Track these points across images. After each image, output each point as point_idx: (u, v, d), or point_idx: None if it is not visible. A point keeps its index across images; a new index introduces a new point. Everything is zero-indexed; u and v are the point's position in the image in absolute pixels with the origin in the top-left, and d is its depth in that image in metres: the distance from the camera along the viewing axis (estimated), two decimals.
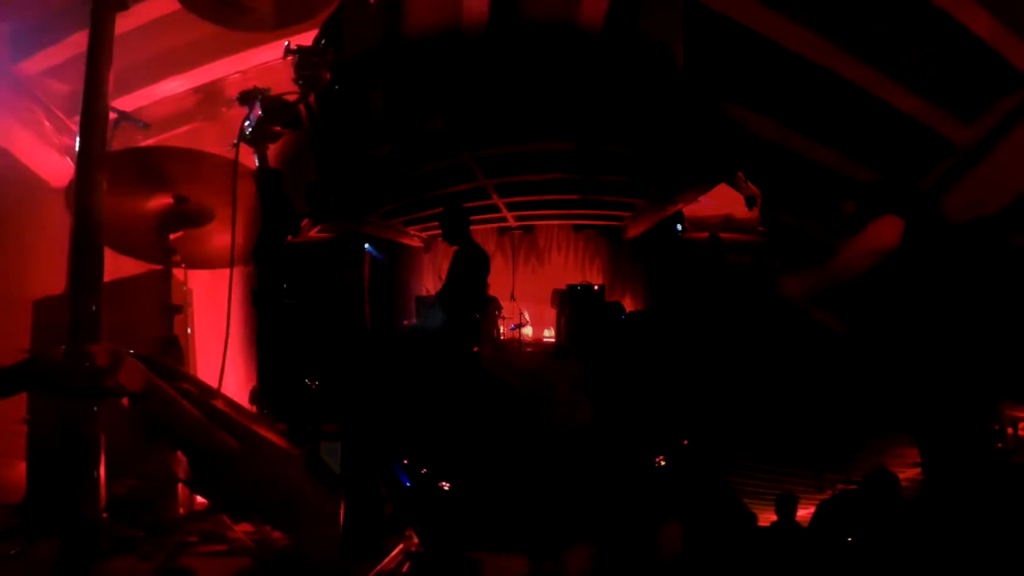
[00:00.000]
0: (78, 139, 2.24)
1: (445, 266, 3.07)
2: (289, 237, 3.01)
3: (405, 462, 2.79)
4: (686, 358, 2.84)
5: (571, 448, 2.74)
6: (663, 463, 2.77)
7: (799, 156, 3.52)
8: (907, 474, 3.17)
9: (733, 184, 2.91)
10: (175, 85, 5.26)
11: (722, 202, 2.98)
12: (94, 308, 2.11)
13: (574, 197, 3.23)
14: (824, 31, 3.40)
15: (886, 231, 2.61)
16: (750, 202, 2.89)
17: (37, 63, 5.24)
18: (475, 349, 3.12)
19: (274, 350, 2.91)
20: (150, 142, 4.93)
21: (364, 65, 3.15)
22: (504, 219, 3.24)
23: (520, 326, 3.21)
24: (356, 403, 2.83)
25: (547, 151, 3.12)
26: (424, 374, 2.87)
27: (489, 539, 2.68)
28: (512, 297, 3.20)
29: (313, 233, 3.14)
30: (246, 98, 3.05)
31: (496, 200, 3.19)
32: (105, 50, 2.28)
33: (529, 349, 3.21)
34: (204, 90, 5.34)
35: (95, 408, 2.08)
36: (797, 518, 3.42)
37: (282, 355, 2.90)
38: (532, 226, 3.30)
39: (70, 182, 3.64)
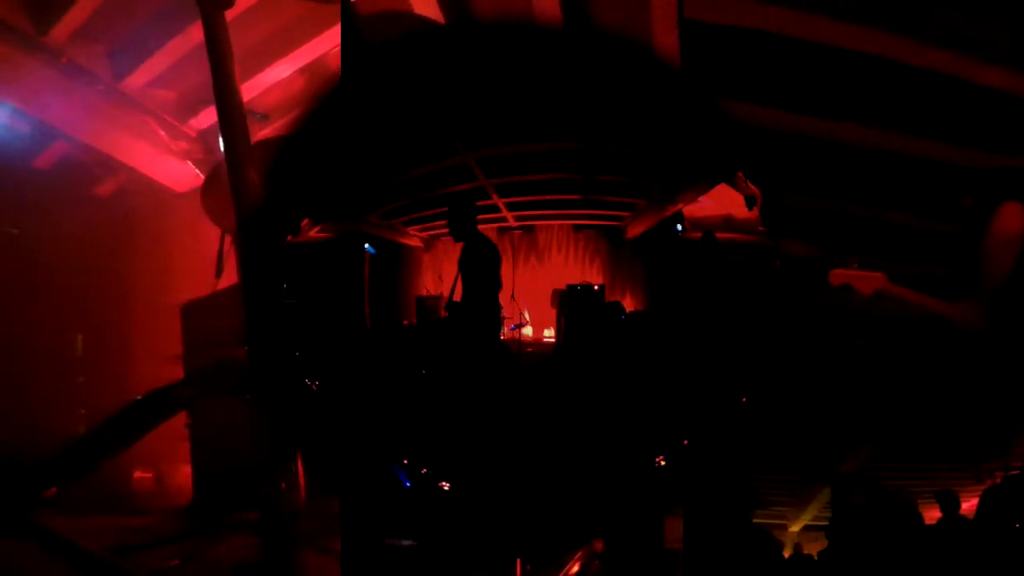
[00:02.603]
0: (221, 140, 2.24)
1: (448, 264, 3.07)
2: (289, 237, 3.01)
3: (405, 462, 2.78)
4: (686, 358, 2.84)
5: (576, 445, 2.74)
6: (663, 463, 2.76)
7: (901, 155, 3.52)
8: None
9: (733, 184, 2.91)
10: (281, 70, 5.22)
11: (722, 202, 2.98)
12: None
13: (574, 197, 3.22)
14: (898, 28, 3.39)
15: (1008, 221, 2.65)
16: (750, 202, 2.89)
17: (140, 76, 5.30)
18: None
19: (273, 350, 2.91)
20: (267, 132, 4.95)
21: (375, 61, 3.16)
22: (504, 219, 3.24)
23: (520, 326, 3.21)
24: (358, 402, 2.83)
25: (547, 151, 3.12)
26: (453, 364, 2.87)
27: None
28: (512, 297, 3.19)
29: (313, 233, 3.14)
30: None
31: (496, 200, 3.18)
32: (224, 47, 2.30)
33: (530, 349, 3.21)
34: (309, 69, 5.31)
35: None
36: (961, 511, 3.42)
37: (281, 355, 2.89)
38: (532, 226, 3.30)
39: (206, 181, 3.67)
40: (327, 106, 3.15)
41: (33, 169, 5.67)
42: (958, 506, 3.45)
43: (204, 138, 5.72)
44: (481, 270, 2.99)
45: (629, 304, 3.13)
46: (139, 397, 2.54)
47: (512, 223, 3.26)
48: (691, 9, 3.26)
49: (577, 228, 3.29)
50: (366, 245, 3.13)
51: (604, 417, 2.80)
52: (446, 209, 3.03)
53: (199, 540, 2.87)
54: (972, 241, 2.73)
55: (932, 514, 3.51)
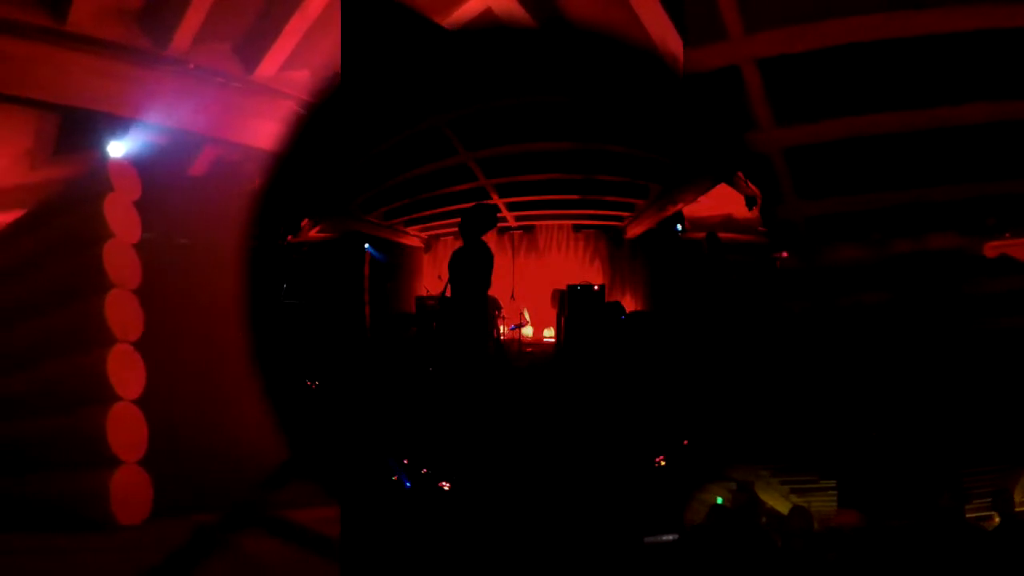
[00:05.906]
0: None
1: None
2: (289, 237, 3.01)
3: (405, 462, 2.78)
4: (686, 358, 2.84)
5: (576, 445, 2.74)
6: (663, 463, 2.76)
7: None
8: None
9: (733, 184, 2.91)
10: None
11: (722, 202, 2.99)
12: None
13: (574, 197, 3.23)
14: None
15: None
16: (750, 202, 2.89)
17: (269, 64, 5.21)
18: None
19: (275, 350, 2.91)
20: None
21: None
22: (504, 219, 3.24)
23: (520, 326, 3.21)
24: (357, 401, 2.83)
25: (547, 151, 3.12)
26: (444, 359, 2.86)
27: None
28: (512, 297, 3.20)
29: (313, 233, 3.14)
30: None
31: (496, 200, 3.18)
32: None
33: (529, 349, 3.21)
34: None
35: None
36: None
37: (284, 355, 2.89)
38: (532, 226, 3.30)
39: None
40: (327, 106, 3.15)
41: (188, 178, 5.63)
42: None
43: None
44: (475, 271, 2.96)
45: (629, 304, 3.13)
46: None
47: (512, 223, 3.26)
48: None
49: (577, 228, 3.29)
50: (366, 245, 3.13)
51: (604, 417, 2.80)
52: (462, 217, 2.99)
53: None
54: None
55: None
